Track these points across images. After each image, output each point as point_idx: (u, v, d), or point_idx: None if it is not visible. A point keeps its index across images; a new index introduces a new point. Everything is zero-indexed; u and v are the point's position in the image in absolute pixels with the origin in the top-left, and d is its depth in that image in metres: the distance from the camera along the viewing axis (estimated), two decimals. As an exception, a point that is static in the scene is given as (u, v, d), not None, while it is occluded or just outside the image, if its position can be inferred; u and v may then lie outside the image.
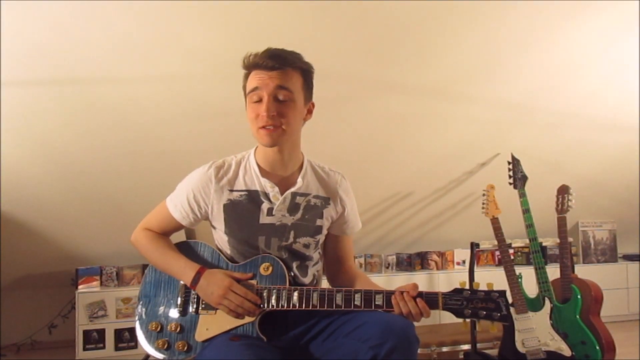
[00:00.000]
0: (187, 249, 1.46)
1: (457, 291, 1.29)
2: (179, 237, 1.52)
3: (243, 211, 1.40)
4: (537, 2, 2.34)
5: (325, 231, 1.49)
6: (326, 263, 1.58)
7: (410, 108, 2.84)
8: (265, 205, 1.40)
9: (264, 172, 1.42)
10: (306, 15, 2.24)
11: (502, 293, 1.28)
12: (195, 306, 1.38)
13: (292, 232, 1.42)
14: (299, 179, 1.43)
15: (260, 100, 1.33)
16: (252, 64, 1.34)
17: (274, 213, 1.40)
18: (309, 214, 1.44)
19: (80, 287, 3.07)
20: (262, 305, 1.33)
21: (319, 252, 1.53)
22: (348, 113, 2.79)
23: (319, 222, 1.45)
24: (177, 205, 1.44)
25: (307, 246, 1.44)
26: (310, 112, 1.43)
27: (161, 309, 1.41)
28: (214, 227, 1.46)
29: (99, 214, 2.99)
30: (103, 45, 2.18)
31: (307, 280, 1.47)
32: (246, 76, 1.38)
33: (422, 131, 3.02)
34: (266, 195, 1.41)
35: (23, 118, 2.41)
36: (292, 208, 1.42)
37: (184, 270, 1.38)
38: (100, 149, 2.64)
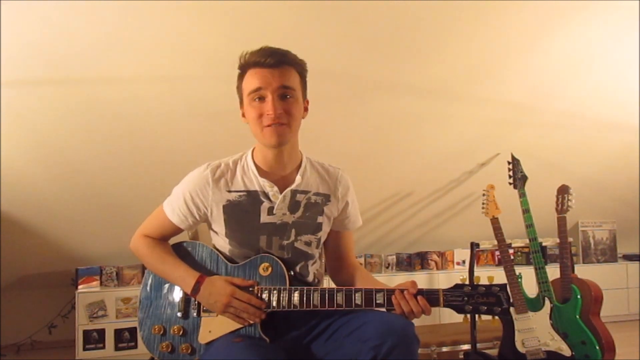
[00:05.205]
0: (185, 251, 1.45)
1: (458, 287, 1.29)
2: (180, 236, 1.51)
3: (243, 211, 1.40)
4: (536, 3, 2.34)
5: (326, 228, 1.48)
6: (327, 259, 1.57)
7: (411, 108, 2.84)
8: (265, 205, 1.40)
9: (262, 172, 1.41)
10: (309, 15, 2.24)
11: (503, 287, 1.28)
12: (197, 309, 1.38)
13: (293, 231, 1.42)
14: (298, 177, 1.42)
15: (262, 99, 1.32)
16: (251, 63, 1.33)
17: (274, 212, 1.40)
18: (310, 212, 1.43)
19: (80, 287, 3.06)
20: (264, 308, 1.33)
21: (320, 251, 1.52)
22: (348, 112, 2.79)
23: (319, 219, 1.45)
24: (174, 209, 1.42)
25: (308, 244, 1.44)
26: (306, 109, 1.43)
27: (163, 311, 1.41)
28: (215, 232, 1.45)
29: (99, 213, 2.99)
30: (101, 44, 2.18)
31: (308, 279, 1.46)
32: (241, 76, 1.36)
33: (422, 131, 3.02)
34: (266, 195, 1.40)
35: (22, 118, 2.41)
36: (293, 206, 1.41)
37: (183, 279, 1.38)
38: (99, 148, 2.64)
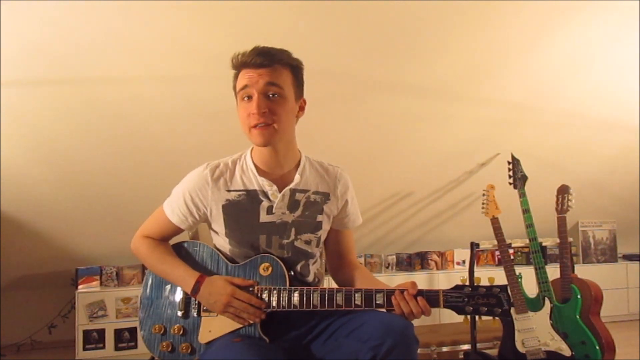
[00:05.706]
0: (186, 251, 1.45)
1: (458, 288, 1.29)
2: (181, 236, 1.52)
3: (242, 211, 1.40)
4: (536, 3, 2.34)
5: (326, 227, 1.48)
6: (328, 257, 1.58)
7: (411, 108, 2.84)
8: (265, 204, 1.40)
9: (261, 172, 1.41)
10: (309, 15, 2.24)
11: (504, 288, 1.27)
12: (197, 308, 1.38)
13: (292, 230, 1.42)
14: (297, 176, 1.42)
15: (250, 98, 1.32)
16: (241, 63, 1.34)
17: (274, 211, 1.40)
18: (309, 210, 1.44)
19: (80, 287, 3.07)
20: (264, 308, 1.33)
21: (320, 250, 1.52)
22: (348, 112, 2.79)
23: (319, 217, 1.45)
24: (174, 209, 1.43)
25: (308, 243, 1.44)
26: (302, 108, 1.42)
27: (164, 311, 1.41)
28: (215, 232, 1.46)
29: (99, 213, 2.99)
30: (101, 44, 2.18)
31: (309, 279, 1.47)
32: (236, 76, 1.37)
33: (422, 131, 3.02)
34: (265, 194, 1.41)
35: (22, 118, 2.41)
36: (292, 205, 1.42)
37: (183, 278, 1.38)
38: (99, 148, 2.64)
